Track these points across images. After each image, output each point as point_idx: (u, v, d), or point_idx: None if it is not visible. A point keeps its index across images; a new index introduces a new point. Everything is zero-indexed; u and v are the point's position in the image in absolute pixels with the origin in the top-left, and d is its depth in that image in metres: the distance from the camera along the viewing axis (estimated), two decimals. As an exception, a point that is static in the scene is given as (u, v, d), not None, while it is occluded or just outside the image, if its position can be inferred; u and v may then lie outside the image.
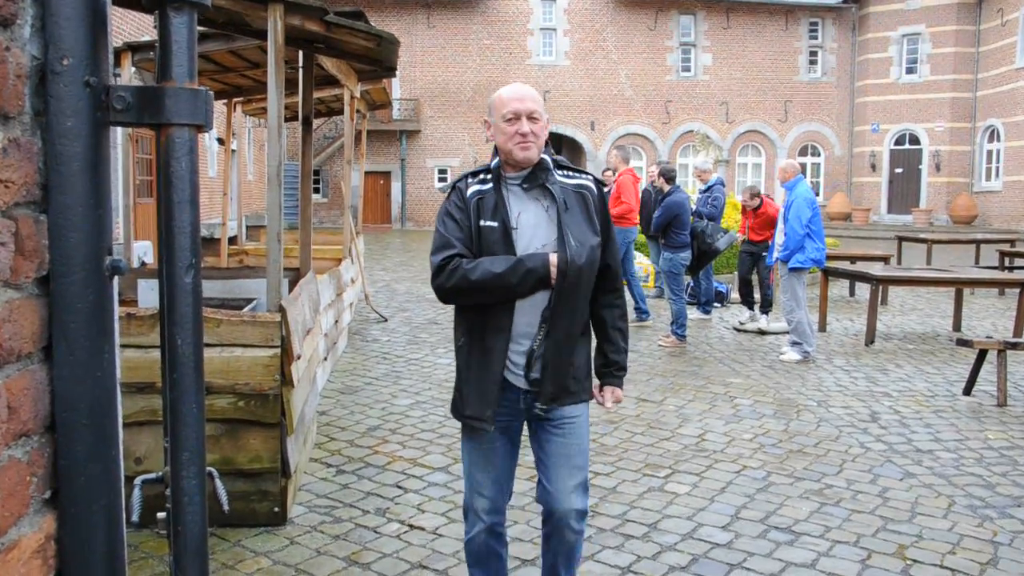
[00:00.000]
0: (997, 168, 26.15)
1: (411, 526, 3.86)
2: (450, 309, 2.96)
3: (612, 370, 2.74)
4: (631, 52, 28.22)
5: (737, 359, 7.77)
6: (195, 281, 1.00)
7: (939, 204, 27.21)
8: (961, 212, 26.10)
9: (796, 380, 6.92)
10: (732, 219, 12.94)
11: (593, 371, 2.74)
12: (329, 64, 5.82)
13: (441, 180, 28.28)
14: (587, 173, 2.67)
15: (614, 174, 10.09)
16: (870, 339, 8.50)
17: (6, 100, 0.85)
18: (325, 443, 5.04)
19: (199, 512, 1.03)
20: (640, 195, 10.28)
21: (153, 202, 12.70)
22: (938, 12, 26.77)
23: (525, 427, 2.73)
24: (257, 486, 3.77)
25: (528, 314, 2.52)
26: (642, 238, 11.66)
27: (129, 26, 12.78)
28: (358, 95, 8.40)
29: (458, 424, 3.05)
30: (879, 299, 9.42)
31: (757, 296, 9.63)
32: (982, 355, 6.44)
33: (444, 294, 2.53)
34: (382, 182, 28.41)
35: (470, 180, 2.60)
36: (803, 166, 27.42)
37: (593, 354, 2.75)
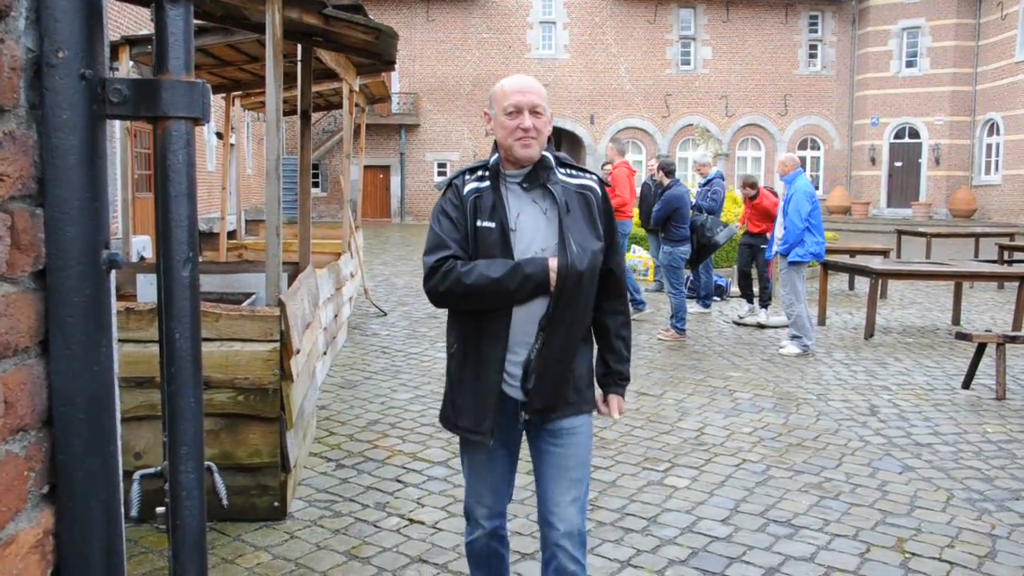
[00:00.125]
0: (996, 162, 26.14)
1: (411, 520, 3.86)
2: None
3: (614, 379, 2.60)
4: (631, 46, 28.19)
5: (737, 353, 7.77)
6: (192, 275, 1.00)
7: (938, 198, 27.21)
8: (960, 206, 26.10)
9: (795, 374, 6.93)
10: (732, 213, 12.94)
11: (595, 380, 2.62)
12: (328, 58, 5.80)
13: (440, 174, 28.27)
14: (591, 172, 2.53)
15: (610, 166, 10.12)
16: (869, 333, 8.50)
17: (1, 93, 0.84)
18: (325, 437, 5.04)
19: (197, 506, 1.03)
20: (640, 189, 10.28)
21: (152, 197, 12.67)
22: (938, 5, 26.73)
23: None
24: (257, 481, 3.77)
25: (525, 322, 2.38)
26: (641, 232, 11.67)
27: (127, 20, 12.75)
28: (357, 89, 8.39)
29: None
30: (878, 293, 9.43)
31: (756, 290, 9.63)
32: (981, 348, 6.45)
33: (437, 298, 2.41)
34: (381, 176, 28.39)
35: (467, 177, 2.46)
36: (803, 160, 27.39)
37: (594, 362, 2.61)
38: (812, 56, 28.98)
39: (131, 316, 3.62)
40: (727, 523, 3.88)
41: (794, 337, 7.76)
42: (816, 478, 4.49)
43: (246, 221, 13.73)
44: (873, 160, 28.23)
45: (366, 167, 25.46)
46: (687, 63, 28.59)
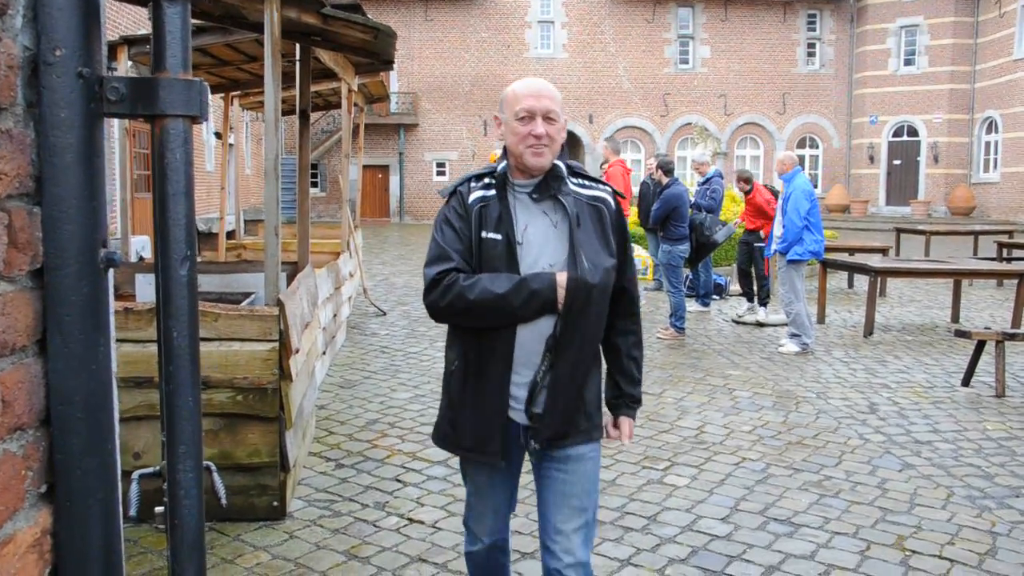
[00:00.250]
0: (995, 159, 26.16)
1: (410, 520, 3.86)
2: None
3: (626, 401, 2.44)
4: (629, 45, 28.19)
5: (736, 351, 7.77)
6: (190, 273, 1.00)
7: (937, 196, 27.23)
8: (959, 203, 26.11)
9: (795, 372, 6.93)
10: (730, 211, 12.94)
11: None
12: (326, 57, 5.80)
13: (439, 174, 28.27)
14: (604, 184, 2.38)
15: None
16: (868, 331, 8.50)
17: (-2, 91, 0.84)
18: (324, 437, 5.04)
19: (196, 506, 1.03)
20: (639, 188, 10.28)
21: (151, 197, 12.67)
22: (936, 3, 26.74)
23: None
24: (256, 480, 3.77)
25: (532, 341, 2.22)
26: (640, 230, 11.67)
27: (126, 20, 12.74)
28: (356, 88, 8.39)
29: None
30: (877, 291, 9.43)
31: (755, 288, 9.64)
32: (980, 346, 6.45)
33: (436, 313, 2.26)
34: (380, 176, 28.39)
35: (473, 184, 2.31)
36: (801, 158, 27.42)
37: (603, 384, 2.46)
38: (810, 54, 28.98)
39: (130, 316, 3.62)
40: (727, 521, 3.88)
41: (793, 335, 7.76)
42: (816, 476, 4.49)
43: (245, 221, 13.74)
44: (872, 158, 28.24)
45: (365, 167, 25.43)
46: (685, 62, 28.60)
